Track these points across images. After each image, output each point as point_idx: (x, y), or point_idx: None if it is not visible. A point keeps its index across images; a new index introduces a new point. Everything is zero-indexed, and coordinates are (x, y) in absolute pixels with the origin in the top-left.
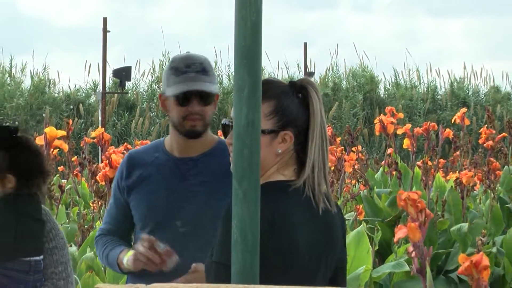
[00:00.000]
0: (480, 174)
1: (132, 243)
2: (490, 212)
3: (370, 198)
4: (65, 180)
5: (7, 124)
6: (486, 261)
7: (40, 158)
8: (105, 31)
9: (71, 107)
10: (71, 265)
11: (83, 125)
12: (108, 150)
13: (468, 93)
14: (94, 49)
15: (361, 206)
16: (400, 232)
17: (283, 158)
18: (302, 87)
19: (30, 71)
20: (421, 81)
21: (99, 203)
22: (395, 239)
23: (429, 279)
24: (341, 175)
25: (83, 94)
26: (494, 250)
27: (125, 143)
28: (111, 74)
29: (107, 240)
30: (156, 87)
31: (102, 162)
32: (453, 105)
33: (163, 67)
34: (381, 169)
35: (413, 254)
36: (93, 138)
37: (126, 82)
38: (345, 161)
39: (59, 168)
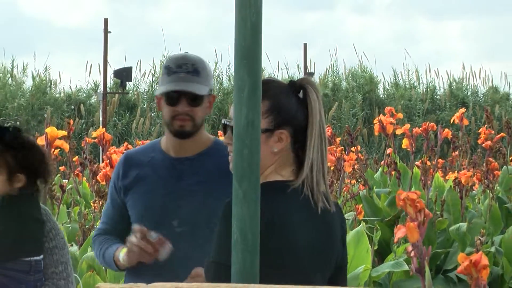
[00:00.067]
0: (479, 174)
1: None
2: (489, 211)
3: (370, 198)
4: (66, 180)
5: (9, 124)
6: (485, 261)
7: (45, 158)
8: (106, 31)
9: (72, 107)
10: (71, 265)
11: (84, 125)
12: (109, 150)
13: (467, 93)
14: (95, 49)
15: (361, 205)
16: (400, 232)
17: (280, 158)
18: (301, 86)
19: (32, 72)
20: (420, 81)
21: (100, 202)
22: (395, 239)
23: (427, 279)
24: (341, 175)
25: (84, 95)
26: (492, 249)
27: (126, 143)
28: (112, 75)
29: (104, 239)
30: (157, 88)
31: (103, 162)
32: (452, 106)
33: None
34: (380, 169)
35: (412, 254)
36: (94, 138)
37: (127, 83)
38: (344, 161)
39: (60, 168)
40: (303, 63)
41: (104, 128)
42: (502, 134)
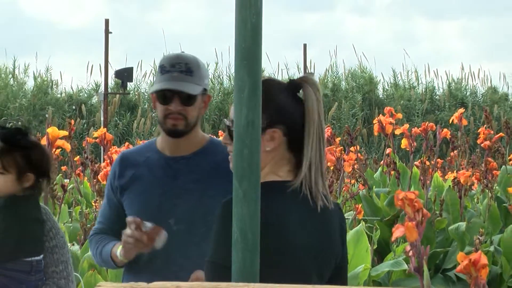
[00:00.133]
0: (478, 173)
1: None
2: (488, 211)
3: (369, 197)
4: (68, 180)
5: (11, 124)
6: (484, 260)
7: (50, 158)
8: (107, 32)
9: (74, 107)
10: (72, 264)
11: (85, 125)
12: (110, 150)
13: (466, 93)
14: (96, 50)
15: (360, 205)
16: (398, 231)
17: (275, 157)
18: (300, 85)
19: (33, 72)
20: (419, 82)
21: (101, 202)
22: (393, 238)
23: (426, 278)
24: (341, 175)
25: (85, 95)
26: (491, 249)
27: (127, 143)
28: (113, 75)
29: (100, 238)
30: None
31: (104, 161)
32: (451, 106)
33: None
34: (380, 169)
35: (410, 253)
36: (95, 138)
37: (128, 83)
38: (344, 161)
39: (61, 167)
40: (303, 63)
41: (105, 128)
42: (501, 134)
